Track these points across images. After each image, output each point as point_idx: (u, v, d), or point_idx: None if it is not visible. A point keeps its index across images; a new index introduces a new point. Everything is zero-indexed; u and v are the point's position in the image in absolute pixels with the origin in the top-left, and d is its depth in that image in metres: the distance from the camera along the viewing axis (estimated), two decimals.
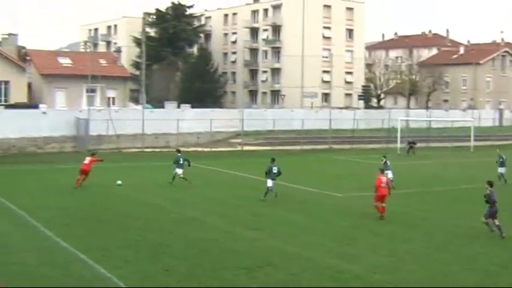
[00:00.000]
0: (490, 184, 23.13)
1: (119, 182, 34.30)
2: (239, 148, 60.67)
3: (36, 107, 61.27)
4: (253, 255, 19.79)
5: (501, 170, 38.67)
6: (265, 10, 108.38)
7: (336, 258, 19.50)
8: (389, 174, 37.06)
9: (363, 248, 20.84)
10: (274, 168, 30.54)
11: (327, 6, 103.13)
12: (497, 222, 22.69)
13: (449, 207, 29.35)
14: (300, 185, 35.93)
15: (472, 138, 65.18)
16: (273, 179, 30.44)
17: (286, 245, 21.09)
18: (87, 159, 34.08)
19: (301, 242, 21.58)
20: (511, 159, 39.98)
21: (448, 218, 26.40)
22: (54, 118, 56.67)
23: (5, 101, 64.29)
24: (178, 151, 36.60)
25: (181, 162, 34.93)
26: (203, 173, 42.45)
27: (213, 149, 58.94)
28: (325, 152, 60.23)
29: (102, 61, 74.31)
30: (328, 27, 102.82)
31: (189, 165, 35.45)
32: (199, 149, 59.40)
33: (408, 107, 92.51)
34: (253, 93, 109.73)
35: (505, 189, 34.68)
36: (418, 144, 60.20)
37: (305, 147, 62.08)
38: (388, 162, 36.80)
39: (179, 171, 34.87)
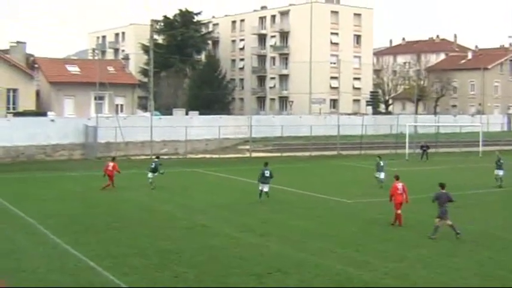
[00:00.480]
0: (442, 186, 23.73)
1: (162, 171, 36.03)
2: (247, 155, 60.63)
3: (44, 114, 61.40)
4: (262, 261, 19.77)
5: (499, 172, 38.66)
6: (273, 16, 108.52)
7: (345, 264, 19.45)
8: (382, 175, 37.51)
9: (372, 254, 20.80)
10: (266, 172, 31.41)
11: (335, 12, 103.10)
12: (449, 222, 23.35)
13: (457, 213, 29.12)
14: (309, 191, 35.94)
15: (480, 143, 64.99)
16: (267, 183, 31.40)
17: (295, 251, 21.06)
18: (110, 165, 35.96)
19: (310, 248, 21.55)
20: None
21: (455, 223, 26.25)
22: (63, 126, 56.84)
23: (14, 108, 64.46)
24: (157, 157, 38.37)
25: (153, 166, 36.26)
26: (212, 180, 42.56)
27: (221, 156, 58.95)
28: (333, 158, 60.17)
29: (110, 68, 74.41)
30: (336, 33, 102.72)
31: (162, 173, 36.50)
32: (208, 155, 59.52)
33: (416, 113, 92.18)
34: (261, 100, 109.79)
35: (502, 193, 34.69)
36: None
37: (313, 153, 62.02)
38: (381, 163, 37.41)
39: (150, 174, 36.22)
